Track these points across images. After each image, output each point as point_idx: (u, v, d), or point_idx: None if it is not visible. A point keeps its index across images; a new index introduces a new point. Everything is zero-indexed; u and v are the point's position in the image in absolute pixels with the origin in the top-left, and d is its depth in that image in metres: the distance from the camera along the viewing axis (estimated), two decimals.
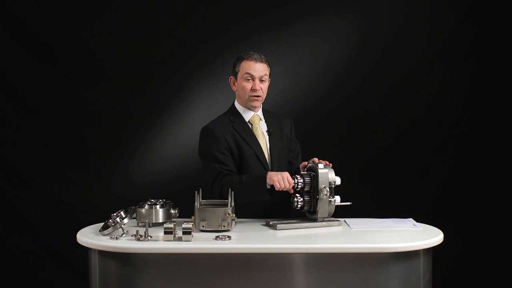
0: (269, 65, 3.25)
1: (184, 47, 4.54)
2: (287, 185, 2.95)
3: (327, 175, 2.96)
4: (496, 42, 4.58)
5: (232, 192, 2.88)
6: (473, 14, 4.60)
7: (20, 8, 4.38)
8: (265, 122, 3.31)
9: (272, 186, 2.97)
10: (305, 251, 2.68)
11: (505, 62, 4.57)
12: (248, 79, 3.19)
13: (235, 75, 3.25)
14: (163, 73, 4.55)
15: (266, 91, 3.25)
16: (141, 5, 4.50)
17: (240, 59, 3.23)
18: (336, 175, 2.98)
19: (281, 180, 2.94)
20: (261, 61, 3.20)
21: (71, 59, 4.46)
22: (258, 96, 3.21)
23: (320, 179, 2.94)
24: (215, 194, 3.07)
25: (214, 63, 4.55)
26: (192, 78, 4.56)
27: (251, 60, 3.19)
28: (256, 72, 3.18)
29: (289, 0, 4.61)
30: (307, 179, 2.99)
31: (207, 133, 3.21)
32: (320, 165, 2.97)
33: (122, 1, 4.51)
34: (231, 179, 3.05)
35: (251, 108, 3.25)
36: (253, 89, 3.19)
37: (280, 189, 2.96)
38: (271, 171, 3.14)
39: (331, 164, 3.02)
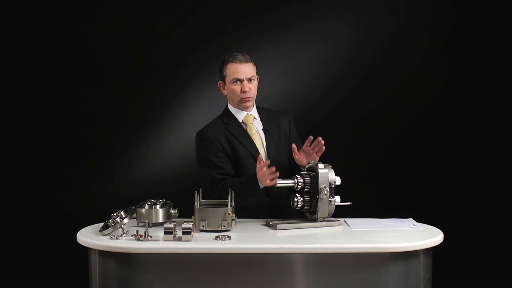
0: (255, 63, 3.23)
1: (184, 47, 4.54)
2: (269, 177, 2.88)
3: (327, 175, 2.95)
4: (496, 42, 4.58)
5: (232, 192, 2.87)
6: (473, 13, 4.60)
7: (20, 7, 4.38)
8: (260, 120, 3.29)
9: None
10: (305, 251, 2.67)
11: (505, 61, 4.57)
12: (237, 82, 3.18)
13: (223, 79, 3.24)
14: (163, 73, 4.54)
15: (256, 89, 3.24)
16: (141, 5, 4.50)
17: (225, 62, 3.22)
18: (336, 175, 2.98)
19: (266, 178, 2.89)
20: (246, 61, 3.18)
21: (71, 59, 4.46)
22: (249, 96, 3.20)
23: (320, 179, 2.93)
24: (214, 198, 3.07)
25: (214, 63, 4.50)
26: (192, 78, 4.56)
27: (236, 62, 3.18)
28: (243, 74, 3.17)
29: (289, 0, 4.61)
30: (307, 179, 2.98)
31: (201, 138, 3.22)
32: (320, 165, 2.97)
33: (122, 1, 4.51)
34: (226, 186, 3.01)
35: (243, 108, 3.25)
36: (243, 91, 3.18)
37: (274, 183, 2.92)
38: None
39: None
